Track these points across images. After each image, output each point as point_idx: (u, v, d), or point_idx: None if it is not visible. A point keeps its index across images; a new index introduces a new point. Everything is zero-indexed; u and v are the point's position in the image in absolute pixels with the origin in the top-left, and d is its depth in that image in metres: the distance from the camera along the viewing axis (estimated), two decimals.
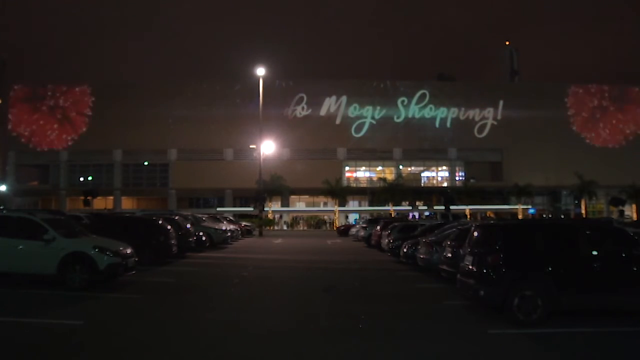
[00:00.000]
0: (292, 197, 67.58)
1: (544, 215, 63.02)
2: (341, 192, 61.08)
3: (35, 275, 10.79)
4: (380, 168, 71.34)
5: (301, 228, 64.48)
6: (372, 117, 69.08)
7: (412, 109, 69.59)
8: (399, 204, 61.40)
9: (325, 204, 66.52)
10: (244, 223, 39.73)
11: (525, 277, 8.18)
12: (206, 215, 30.24)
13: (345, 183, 66.60)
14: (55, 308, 9.04)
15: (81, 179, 69.14)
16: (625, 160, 65.81)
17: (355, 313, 8.78)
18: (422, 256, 14.54)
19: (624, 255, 8.53)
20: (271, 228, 57.00)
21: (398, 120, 69.32)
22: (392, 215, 52.48)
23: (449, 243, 12.32)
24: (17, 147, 69.83)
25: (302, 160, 66.25)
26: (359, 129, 68.89)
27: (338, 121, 68.46)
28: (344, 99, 68.59)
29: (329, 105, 68.77)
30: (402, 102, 69.58)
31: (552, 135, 67.93)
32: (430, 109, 69.63)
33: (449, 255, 11.75)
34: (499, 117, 69.35)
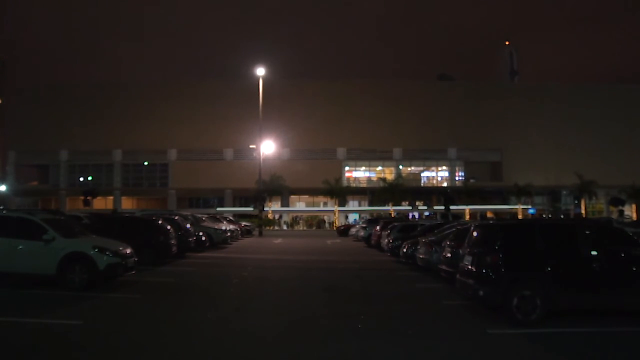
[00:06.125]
0: (292, 197, 67.65)
1: (543, 215, 63.03)
2: (341, 192, 61.12)
3: (35, 275, 10.77)
4: (380, 168, 71.35)
5: (301, 228, 64.50)
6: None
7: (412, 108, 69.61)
8: (398, 204, 61.40)
9: (325, 204, 66.54)
10: (243, 223, 39.71)
11: (524, 277, 8.19)
12: (206, 215, 30.25)
13: (345, 183, 66.60)
14: (55, 308, 9.04)
15: (81, 179, 69.19)
16: (625, 160, 65.82)
17: (355, 313, 8.79)
18: (421, 256, 14.55)
19: (623, 255, 8.54)
20: (271, 228, 57.02)
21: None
22: (392, 215, 52.50)
23: (448, 243, 12.32)
24: (17, 147, 69.86)
25: (302, 160, 66.25)
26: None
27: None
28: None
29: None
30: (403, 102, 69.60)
31: (552, 135, 67.95)
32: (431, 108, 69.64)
33: (449, 255, 11.76)
34: None
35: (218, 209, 60.77)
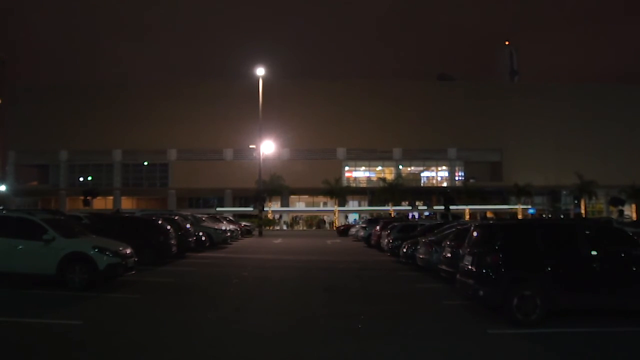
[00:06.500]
0: (292, 197, 67.63)
1: (543, 215, 63.02)
2: (341, 192, 61.12)
3: (35, 276, 10.77)
4: (380, 168, 71.34)
5: (301, 228, 64.50)
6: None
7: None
8: (398, 204, 61.41)
9: (325, 204, 66.52)
10: (243, 223, 39.70)
11: (524, 277, 8.19)
12: (206, 215, 30.25)
13: (345, 183, 66.60)
14: (55, 308, 9.05)
15: (81, 179, 69.18)
16: (625, 160, 65.81)
17: (355, 313, 8.79)
18: (421, 256, 14.55)
19: (623, 255, 8.54)
20: (271, 228, 57.01)
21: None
22: (392, 215, 52.50)
23: (448, 243, 12.32)
24: (17, 147, 69.84)
25: (302, 160, 66.25)
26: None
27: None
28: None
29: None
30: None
31: (552, 135, 67.94)
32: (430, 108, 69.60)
33: (449, 255, 11.75)
34: None
35: (218, 209, 60.75)
